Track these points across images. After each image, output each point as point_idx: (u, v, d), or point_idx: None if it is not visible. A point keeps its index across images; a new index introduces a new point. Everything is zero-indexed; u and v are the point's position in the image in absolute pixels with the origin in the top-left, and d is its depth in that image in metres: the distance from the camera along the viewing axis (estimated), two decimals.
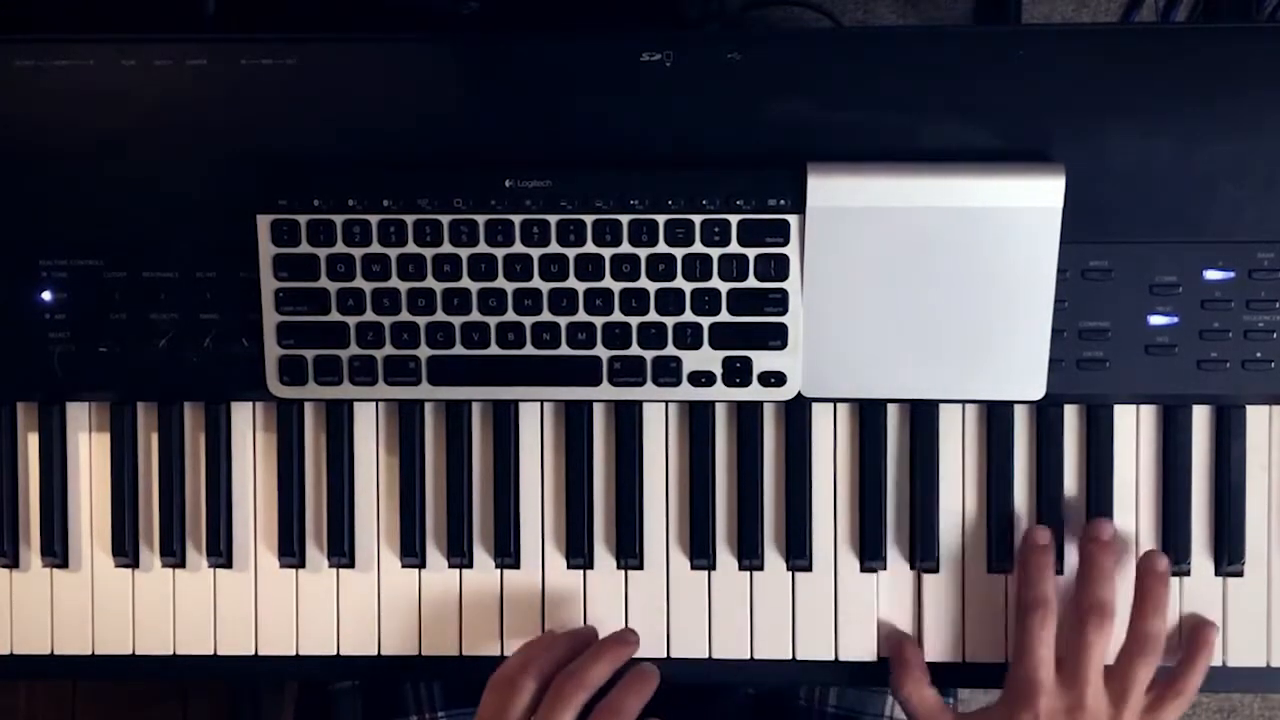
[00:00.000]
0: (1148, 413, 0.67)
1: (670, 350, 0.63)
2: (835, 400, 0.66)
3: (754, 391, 0.64)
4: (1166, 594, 0.64)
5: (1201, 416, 0.66)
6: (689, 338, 0.63)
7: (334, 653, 0.68)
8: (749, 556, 0.67)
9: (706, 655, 0.67)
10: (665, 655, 0.67)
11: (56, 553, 0.68)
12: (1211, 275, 0.63)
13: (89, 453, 0.69)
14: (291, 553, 0.67)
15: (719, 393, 0.64)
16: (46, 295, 0.65)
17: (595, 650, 0.63)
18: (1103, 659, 0.62)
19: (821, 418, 0.67)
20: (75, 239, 0.65)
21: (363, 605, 0.68)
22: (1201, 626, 0.66)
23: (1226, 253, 0.63)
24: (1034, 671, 0.62)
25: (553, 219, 0.62)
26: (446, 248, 0.63)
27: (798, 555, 0.66)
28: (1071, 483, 0.67)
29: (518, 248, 0.63)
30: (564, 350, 0.63)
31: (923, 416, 0.66)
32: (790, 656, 0.67)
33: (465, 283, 0.63)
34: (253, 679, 0.68)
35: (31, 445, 0.69)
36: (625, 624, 0.67)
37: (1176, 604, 0.66)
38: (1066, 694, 0.61)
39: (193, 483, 0.68)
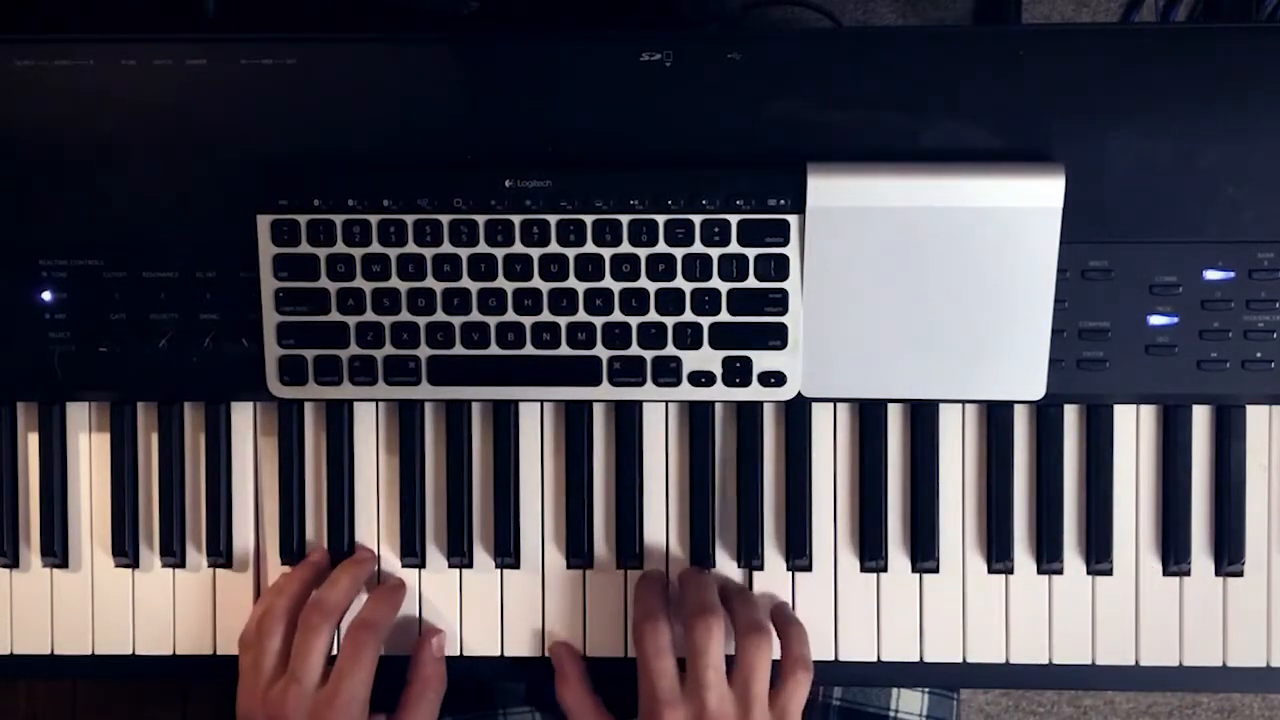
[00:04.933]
0: (1148, 413, 0.67)
1: (670, 350, 0.63)
2: (835, 400, 0.66)
3: (754, 391, 0.64)
4: (748, 585, 0.66)
5: (1201, 416, 0.66)
6: (689, 338, 0.63)
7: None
8: (749, 557, 0.67)
9: None
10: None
11: (56, 553, 0.68)
12: (1211, 275, 0.63)
13: (89, 453, 0.69)
14: (292, 553, 0.67)
15: (719, 393, 0.64)
16: (46, 295, 0.65)
17: (333, 576, 0.65)
18: (719, 661, 0.61)
19: (821, 418, 0.67)
20: (75, 239, 0.65)
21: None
22: (779, 605, 0.67)
23: (1226, 253, 0.63)
24: (654, 685, 0.61)
25: (553, 219, 0.62)
26: (446, 248, 0.63)
27: (798, 555, 0.66)
28: (1071, 483, 0.67)
29: (518, 248, 0.63)
30: (564, 350, 0.63)
31: (923, 416, 0.66)
32: None
33: (465, 283, 0.63)
34: None
35: (31, 445, 0.69)
36: (625, 624, 0.67)
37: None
38: (690, 703, 0.60)
39: (193, 483, 0.68)
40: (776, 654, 0.63)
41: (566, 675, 0.65)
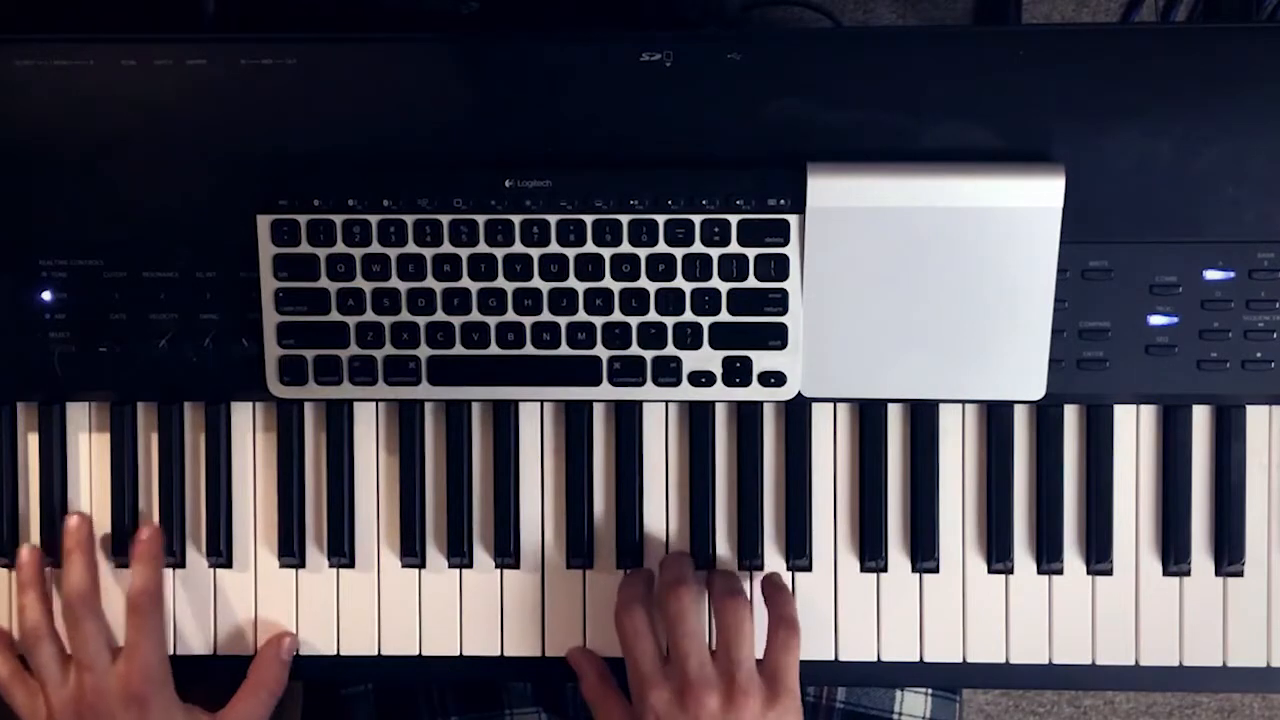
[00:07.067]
0: (1148, 413, 0.67)
1: (670, 350, 0.63)
2: (835, 400, 0.66)
3: (754, 391, 0.64)
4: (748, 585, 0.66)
5: (1201, 416, 0.66)
6: (689, 338, 0.63)
7: (334, 653, 0.68)
8: (749, 557, 0.67)
9: None
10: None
11: (56, 553, 0.68)
12: (1211, 275, 0.63)
13: (89, 453, 0.69)
14: (291, 553, 0.67)
15: (719, 393, 0.64)
16: (46, 295, 0.65)
17: (64, 568, 0.65)
18: (695, 628, 0.61)
19: (821, 418, 0.67)
20: (75, 239, 0.65)
21: (362, 605, 0.68)
22: (768, 575, 0.66)
23: (1226, 253, 0.63)
24: (637, 666, 0.61)
25: (553, 219, 0.62)
26: (446, 248, 0.63)
27: (798, 555, 0.66)
28: (1071, 483, 0.67)
29: (518, 248, 0.63)
30: (564, 350, 0.63)
31: (923, 416, 0.66)
32: None
33: (465, 283, 0.63)
34: None
35: (31, 445, 0.69)
36: None
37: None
38: (673, 676, 0.60)
39: (193, 483, 0.68)
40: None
41: (585, 673, 0.66)
